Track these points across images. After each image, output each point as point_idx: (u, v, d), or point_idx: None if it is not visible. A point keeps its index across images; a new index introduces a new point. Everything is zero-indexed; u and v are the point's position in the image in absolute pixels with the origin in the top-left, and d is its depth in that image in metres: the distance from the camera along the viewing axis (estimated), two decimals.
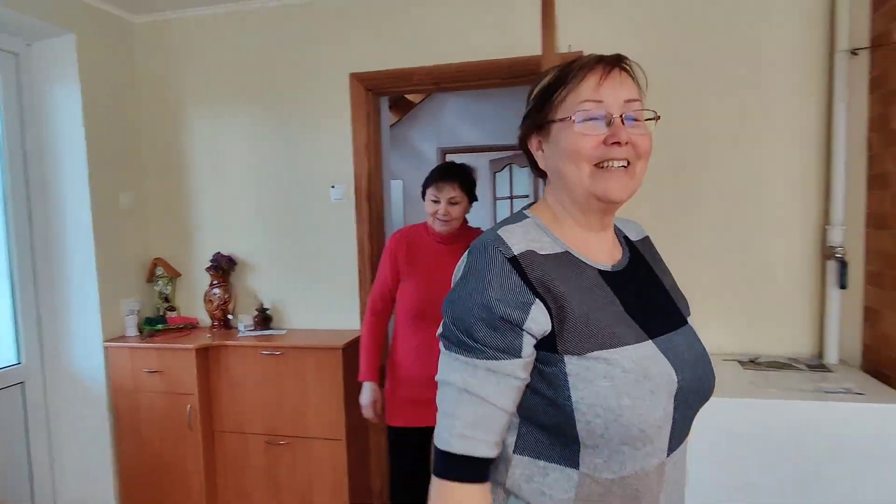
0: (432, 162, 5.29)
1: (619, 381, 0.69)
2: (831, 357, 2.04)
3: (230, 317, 2.74)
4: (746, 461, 1.74)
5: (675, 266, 2.20)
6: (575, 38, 2.23)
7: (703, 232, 2.20)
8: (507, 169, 5.69)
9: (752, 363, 2.06)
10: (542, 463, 0.74)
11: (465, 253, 0.78)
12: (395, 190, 5.34)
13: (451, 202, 1.86)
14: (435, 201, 1.86)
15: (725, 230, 2.18)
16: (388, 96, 2.89)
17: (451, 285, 0.78)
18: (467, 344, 0.71)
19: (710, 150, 2.17)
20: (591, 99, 0.75)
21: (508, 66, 2.28)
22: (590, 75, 0.76)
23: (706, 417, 1.74)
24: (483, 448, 0.72)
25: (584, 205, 0.78)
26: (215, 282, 2.70)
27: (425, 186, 1.90)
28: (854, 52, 1.97)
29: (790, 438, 1.71)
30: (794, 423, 1.71)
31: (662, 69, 2.18)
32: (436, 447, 0.74)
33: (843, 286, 1.99)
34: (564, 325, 0.70)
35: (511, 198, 5.71)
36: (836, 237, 2.01)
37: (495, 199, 6.04)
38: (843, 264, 1.98)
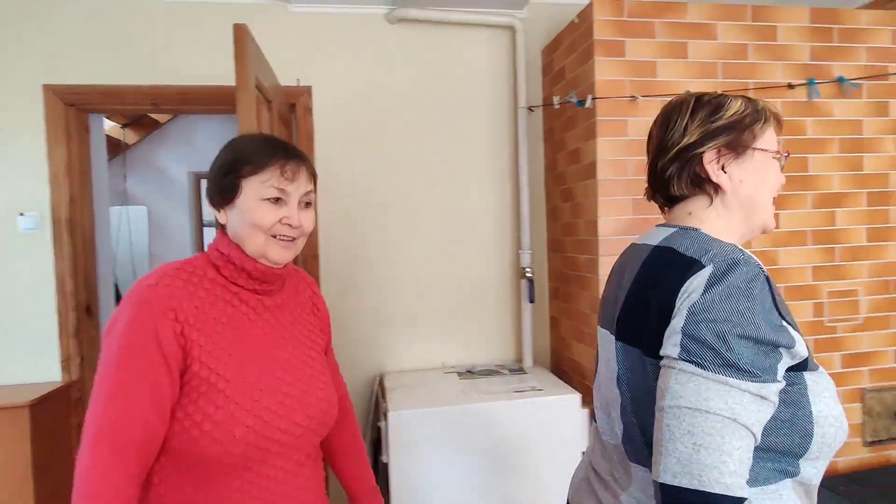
0: (183, 187, 4.87)
1: (832, 391, 0.75)
2: (527, 361, 2.42)
3: None
4: (459, 460, 1.94)
5: (406, 291, 2.40)
6: (302, 73, 2.30)
7: (425, 259, 2.43)
8: None
9: (469, 373, 2.33)
10: (772, 487, 0.73)
11: (706, 267, 0.71)
12: (138, 219, 4.76)
13: (306, 202, 0.97)
14: (277, 200, 0.92)
15: (444, 257, 2.44)
16: (104, 114, 2.58)
17: (679, 302, 0.71)
18: (737, 366, 0.66)
19: (431, 188, 2.42)
20: (779, 141, 0.86)
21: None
22: (775, 122, 0.85)
23: (426, 426, 1.92)
24: (746, 490, 0.66)
25: (750, 232, 0.86)
26: None
27: (242, 173, 0.91)
28: (531, 109, 2.42)
29: (490, 435, 1.96)
30: (492, 421, 1.97)
31: (389, 115, 2.37)
32: (695, 490, 0.64)
33: (531, 300, 2.38)
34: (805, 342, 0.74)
35: None
36: (525, 259, 2.41)
37: None
38: (530, 282, 2.38)
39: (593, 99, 1.95)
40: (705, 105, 0.84)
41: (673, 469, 0.65)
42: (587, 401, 2.11)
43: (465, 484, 1.95)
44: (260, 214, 0.90)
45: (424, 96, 2.40)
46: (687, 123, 0.83)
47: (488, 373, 2.32)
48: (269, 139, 0.98)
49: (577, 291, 2.18)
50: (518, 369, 2.36)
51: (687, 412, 0.66)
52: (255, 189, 0.90)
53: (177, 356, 0.83)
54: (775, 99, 2.03)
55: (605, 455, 0.92)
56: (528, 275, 2.39)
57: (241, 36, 1.39)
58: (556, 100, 2.21)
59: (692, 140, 0.82)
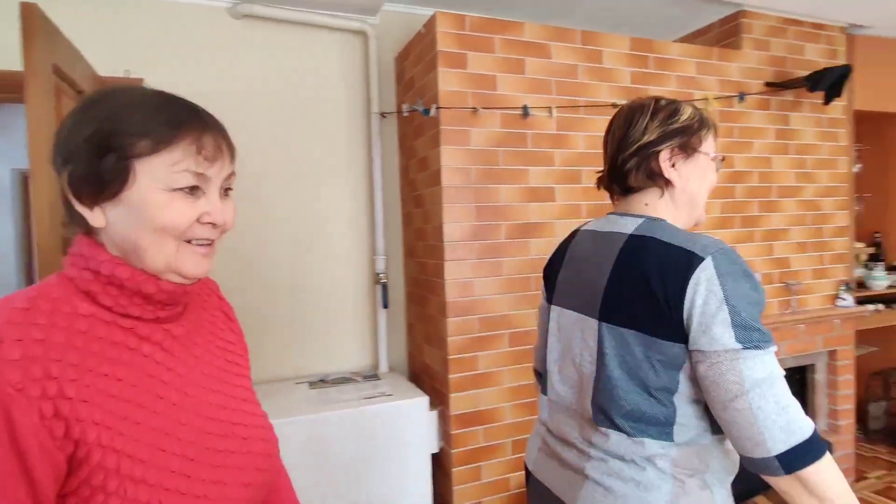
0: (4, 187, 4.25)
1: None
2: (383, 367, 2.41)
3: None
4: (309, 471, 1.87)
5: (256, 296, 2.28)
6: (134, 64, 2.11)
7: (281, 265, 2.33)
8: None
9: (321, 382, 2.27)
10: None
11: (706, 259, 0.82)
12: None
13: (226, 188, 0.70)
14: (194, 189, 0.64)
15: (298, 262, 2.36)
16: None
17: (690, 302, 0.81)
18: (767, 335, 0.80)
19: (283, 191, 2.33)
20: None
21: None
22: (714, 130, 0.98)
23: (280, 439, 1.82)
24: None
25: (690, 223, 0.97)
26: None
27: (134, 151, 0.61)
28: (383, 115, 2.43)
29: (341, 443, 1.92)
30: (341, 429, 1.93)
31: (235, 113, 2.25)
32: (803, 442, 0.76)
33: (385, 306, 2.39)
34: None
35: None
36: (380, 265, 2.41)
37: None
38: (384, 287, 2.38)
39: (437, 108, 2.00)
40: (663, 109, 0.95)
41: (780, 438, 0.76)
42: (435, 403, 2.15)
43: (316, 495, 1.89)
44: (171, 212, 0.62)
45: (274, 96, 2.32)
46: (648, 123, 0.94)
47: (341, 381, 2.28)
48: (164, 97, 0.66)
49: (428, 296, 2.22)
50: (373, 376, 2.34)
51: (767, 388, 0.78)
52: (160, 175, 0.61)
53: (50, 454, 0.54)
54: (602, 117, 2.23)
55: (569, 422, 1.00)
56: (382, 280, 2.39)
57: (30, 15, 1.23)
58: (405, 107, 2.25)
59: (651, 138, 0.93)
